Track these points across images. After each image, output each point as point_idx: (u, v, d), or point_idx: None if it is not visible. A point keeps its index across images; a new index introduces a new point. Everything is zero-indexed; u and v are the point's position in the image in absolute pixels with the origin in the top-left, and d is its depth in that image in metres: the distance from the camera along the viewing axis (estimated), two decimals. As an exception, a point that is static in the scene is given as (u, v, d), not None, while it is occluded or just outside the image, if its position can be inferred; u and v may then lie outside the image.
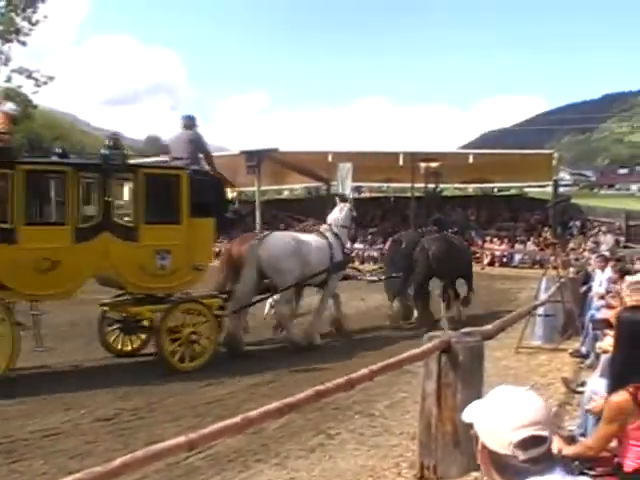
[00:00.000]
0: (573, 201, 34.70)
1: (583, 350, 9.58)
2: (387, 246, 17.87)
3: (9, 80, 35.12)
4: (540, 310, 11.17)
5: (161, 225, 9.67)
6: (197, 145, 10.76)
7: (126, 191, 10.02)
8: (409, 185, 34.54)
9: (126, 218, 9.65)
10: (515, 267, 29.29)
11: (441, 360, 5.22)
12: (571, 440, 4.59)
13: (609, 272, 11.14)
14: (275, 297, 11.81)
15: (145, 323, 10.37)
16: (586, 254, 19.23)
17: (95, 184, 9.18)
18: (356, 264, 22.74)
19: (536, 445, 1.97)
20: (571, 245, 24.56)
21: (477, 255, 26.82)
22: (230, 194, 13.79)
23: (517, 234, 33.41)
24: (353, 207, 13.12)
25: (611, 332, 5.13)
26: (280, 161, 30.11)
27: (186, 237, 9.72)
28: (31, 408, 7.55)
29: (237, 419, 3.39)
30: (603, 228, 31.87)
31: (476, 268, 18.63)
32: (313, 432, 6.73)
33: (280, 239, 11.27)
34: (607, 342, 5.80)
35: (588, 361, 8.91)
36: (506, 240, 32.60)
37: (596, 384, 5.35)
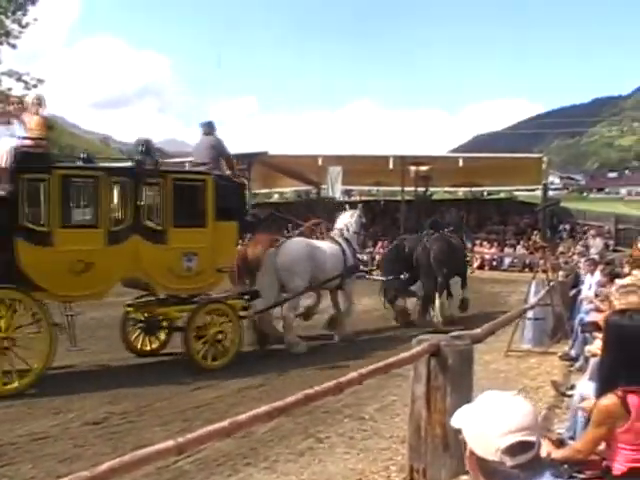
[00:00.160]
0: (563, 205, 34.77)
1: (572, 353, 9.62)
2: (381, 248, 18.04)
3: (-2, 83, 34.93)
4: (530, 313, 11.21)
5: (188, 228, 9.98)
6: (218, 150, 11.07)
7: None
8: (399, 188, 34.62)
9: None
10: (505, 270, 29.39)
11: (430, 363, 5.20)
12: (560, 443, 4.59)
13: (598, 275, 11.17)
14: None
15: (164, 324, 10.72)
16: (575, 257, 19.25)
17: (127, 188, 9.41)
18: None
19: (524, 451, 1.96)
20: (560, 249, 24.53)
21: (467, 258, 26.79)
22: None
23: (507, 237, 33.45)
24: (362, 213, 13.75)
25: (600, 335, 5.14)
26: (270, 164, 30.11)
27: (211, 240, 10.07)
28: (20, 412, 7.51)
29: (225, 423, 3.38)
30: (592, 232, 31.88)
31: (466, 271, 18.69)
32: (302, 436, 6.72)
33: (297, 245, 11.74)
34: (596, 345, 5.82)
35: (577, 364, 8.94)
36: (496, 243, 32.69)
37: (585, 387, 5.36)
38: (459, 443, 2.15)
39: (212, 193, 10.07)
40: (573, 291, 13.11)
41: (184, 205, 9.96)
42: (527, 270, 25.76)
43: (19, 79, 34.56)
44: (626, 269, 11.22)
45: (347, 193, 39.65)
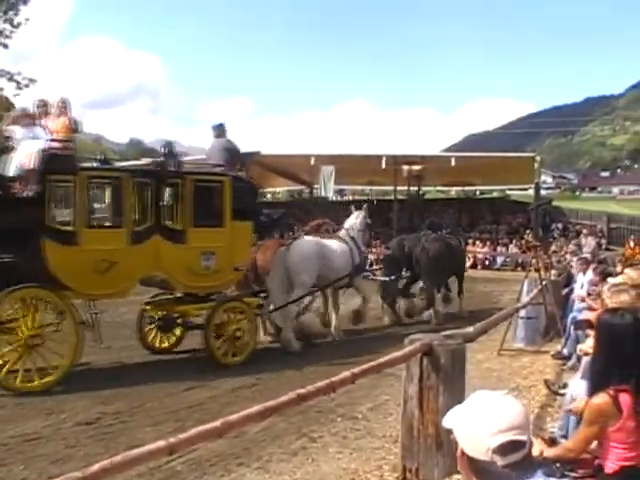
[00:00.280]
0: (555, 204, 34.86)
1: (565, 352, 9.63)
2: (374, 248, 18.17)
3: (-10, 83, 34.79)
4: (522, 312, 11.23)
5: (207, 228, 10.23)
6: (232, 152, 11.25)
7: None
8: (392, 188, 34.63)
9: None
10: (497, 270, 29.42)
11: (423, 363, 5.21)
12: (552, 442, 4.59)
13: (590, 274, 11.18)
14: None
15: (180, 321, 10.88)
16: (568, 257, 19.25)
17: (149, 189, 9.61)
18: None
19: (515, 450, 1.96)
20: (553, 248, 24.58)
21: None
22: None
23: (499, 237, 33.57)
24: (367, 214, 13.95)
25: (593, 333, 5.14)
26: (262, 164, 30.06)
27: (228, 240, 10.34)
28: (12, 412, 7.50)
29: (217, 423, 3.38)
30: (585, 231, 31.96)
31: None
32: (295, 435, 6.71)
33: (307, 243, 12.02)
34: (588, 344, 5.82)
35: (570, 363, 8.96)
36: (488, 243, 32.75)
37: (578, 386, 5.37)
38: (451, 442, 2.15)
39: (229, 194, 10.31)
40: (565, 290, 13.12)
41: (203, 206, 10.19)
42: (520, 269, 25.81)
43: (11, 79, 34.44)
44: (618, 268, 11.25)
45: (340, 193, 39.65)
